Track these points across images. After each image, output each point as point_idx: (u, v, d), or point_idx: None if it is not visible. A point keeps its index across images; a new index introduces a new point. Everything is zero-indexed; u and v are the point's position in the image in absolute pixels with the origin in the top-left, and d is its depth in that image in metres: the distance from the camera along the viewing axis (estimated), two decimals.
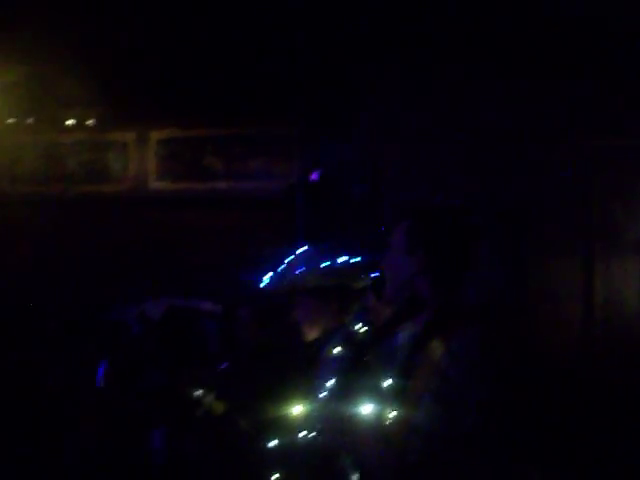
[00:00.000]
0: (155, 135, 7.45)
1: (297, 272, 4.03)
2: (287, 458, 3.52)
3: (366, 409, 2.96)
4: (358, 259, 4.04)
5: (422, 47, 6.09)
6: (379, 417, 2.90)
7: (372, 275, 4.02)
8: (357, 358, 3.36)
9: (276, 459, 3.59)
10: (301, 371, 3.93)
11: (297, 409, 3.58)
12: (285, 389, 3.84)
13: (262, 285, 4.14)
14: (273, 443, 3.57)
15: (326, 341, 3.93)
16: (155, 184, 7.47)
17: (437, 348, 2.76)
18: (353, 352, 3.62)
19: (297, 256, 4.08)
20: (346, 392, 3.28)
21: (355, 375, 3.25)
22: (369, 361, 3.31)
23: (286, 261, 4.09)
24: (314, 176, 6.29)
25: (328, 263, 3.99)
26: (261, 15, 6.24)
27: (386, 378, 3.09)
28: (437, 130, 6.12)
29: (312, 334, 4.04)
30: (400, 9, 5.96)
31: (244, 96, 6.89)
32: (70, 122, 7.30)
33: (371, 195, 6.13)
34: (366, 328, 3.86)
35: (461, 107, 6.07)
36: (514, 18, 5.85)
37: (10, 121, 7.27)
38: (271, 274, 4.11)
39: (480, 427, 2.62)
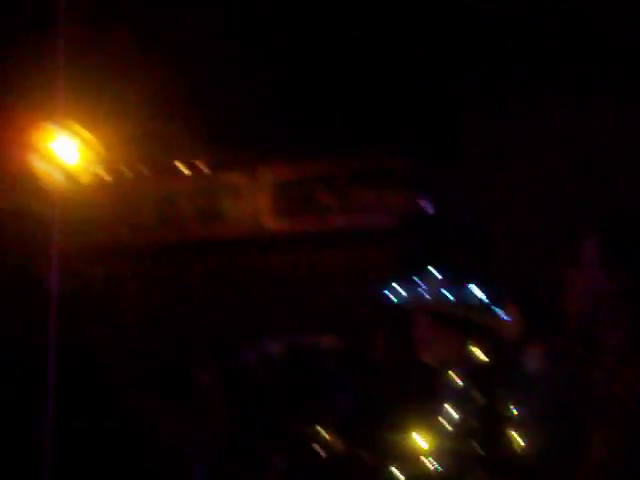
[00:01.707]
0: (268, 176, 7.51)
1: (424, 296, 3.98)
2: None
3: (498, 444, 2.85)
4: (487, 296, 3.96)
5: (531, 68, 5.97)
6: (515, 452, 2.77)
7: (499, 314, 3.94)
8: (481, 388, 3.24)
9: None
10: (423, 399, 3.86)
11: (422, 441, 3.50)
12: (408, 419, 3.77)
13: (393, 301, 4.10)
14: (398, 475, 3.50)
15: (446, 369, 3.86)
16: (270, 224, 7.52)
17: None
18: (477, 383, 3.52)
19: (426, 281, 4.04)
20: (471, 426, 3.18)
21: (480, 407, 3.14)
22: (496, 391, 3.19)
23: (414, 285, 4.05)
24: (425, 206, 6.23)
25: (458, 294, 3.93)
26: (370, 47, 6.24)
27: (517, 409, 2.97)
28: (545, 152, 5.96)
29: (428, 358, 3.96)
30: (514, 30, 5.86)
31: (351, 131, 6.88)
32: (183, 169, 7.43)
33: (481, 225, 6.02)
34: (488, 359, 3.76)
35: (568, 125, 5.90)
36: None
37: (128, 173, 7.44)
38: (400, 292, 4.07)
39: None
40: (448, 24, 6.07)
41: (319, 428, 4.29)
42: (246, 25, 6.33)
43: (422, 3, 6.05)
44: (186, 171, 7.43)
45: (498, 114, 6.03)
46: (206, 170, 7.41)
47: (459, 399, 3.54)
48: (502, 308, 3.99)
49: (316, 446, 4.26)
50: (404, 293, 4.08)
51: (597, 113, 5.83)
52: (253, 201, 7.53)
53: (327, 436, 4.18)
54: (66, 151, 4.90)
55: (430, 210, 6.25)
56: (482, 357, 3.82)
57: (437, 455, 3.41)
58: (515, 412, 2.99)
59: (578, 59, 5.83)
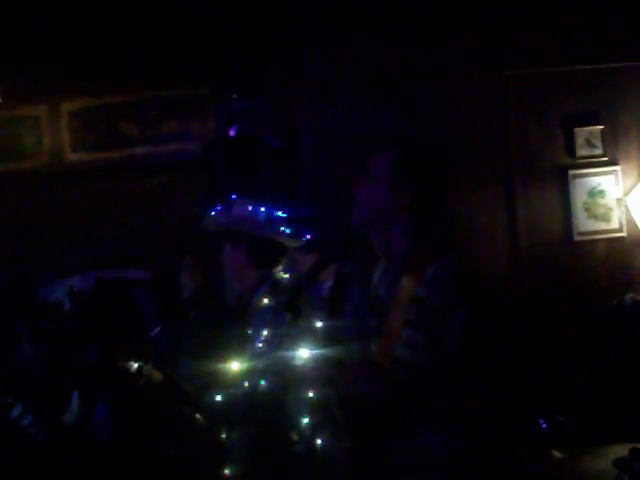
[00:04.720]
0: (66, 106, 7.31)
1: (228, 221, 4.03)
2: (234, 410, 3.53)
3: (304, 353, 2.96)
4: (288, 215, 4.05)
5: None
6: (318, 358, 2.90)
7: (305, 235, 4.04)
8: (286, 306, 3.35)
9: (224, 413, 3.59)
10: (234, 323, 3.94)
11: (236, 364, 3.58)
12: (220, 344, 3.85)
13: (200, 229, 4.13)
14: (218, 398, 3.57)
15: (254, 292, 3.95)
16: (71, 156, 7.34)
17: (412, 281, 2.74)
18: (281, 300, 3.63)
19: (229, 207, 4.09)
20: (282, 340, 3.27)
21: (288, 322, 3.23)
22: (299, 307, 3.29)
23: (219, 209, 4.09)
24: (231, 132, 6.25)
25: (262, 217, 3.99)
26: None
27: (318, 320, 3.10)
28: (349, 75, 6.08)
29: (237, 282, 4.05)
30: None
31: (154, 59, 6.79)
32: None
33: (287, 146, 6.12)
34: (289, 276, 3.89)
35: (372, 50, 6.03)
36: None
37: None
38: (208, 220, 4.11)
39: (461, 350, 2.65)
40: None
41: (133, 362, 4.27)
42: None
43: None
44: None
45: (304, 38, 6.10)
46: (2, 101, 7.12)
47: (269, 321, 3.64)
48: (305, 230, 4.11)
49: (133, 380, 4.25)
50: (211, 221, 4.13)
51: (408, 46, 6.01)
52: (53, 133, 7.32)
53: (144, 369, 4.18)
54: None
55: (236, 136, 6.27)
56: (285, 278, 3.95)
57: (253, 375, 3.51)
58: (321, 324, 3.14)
59: None
